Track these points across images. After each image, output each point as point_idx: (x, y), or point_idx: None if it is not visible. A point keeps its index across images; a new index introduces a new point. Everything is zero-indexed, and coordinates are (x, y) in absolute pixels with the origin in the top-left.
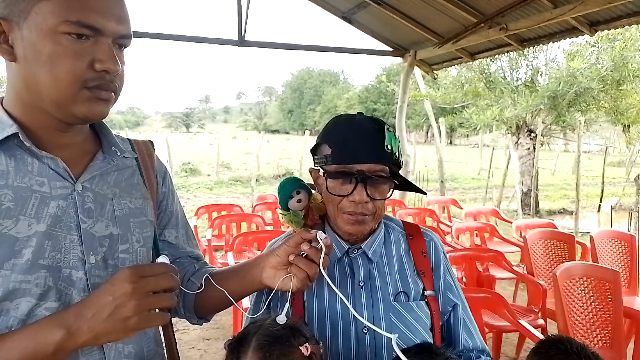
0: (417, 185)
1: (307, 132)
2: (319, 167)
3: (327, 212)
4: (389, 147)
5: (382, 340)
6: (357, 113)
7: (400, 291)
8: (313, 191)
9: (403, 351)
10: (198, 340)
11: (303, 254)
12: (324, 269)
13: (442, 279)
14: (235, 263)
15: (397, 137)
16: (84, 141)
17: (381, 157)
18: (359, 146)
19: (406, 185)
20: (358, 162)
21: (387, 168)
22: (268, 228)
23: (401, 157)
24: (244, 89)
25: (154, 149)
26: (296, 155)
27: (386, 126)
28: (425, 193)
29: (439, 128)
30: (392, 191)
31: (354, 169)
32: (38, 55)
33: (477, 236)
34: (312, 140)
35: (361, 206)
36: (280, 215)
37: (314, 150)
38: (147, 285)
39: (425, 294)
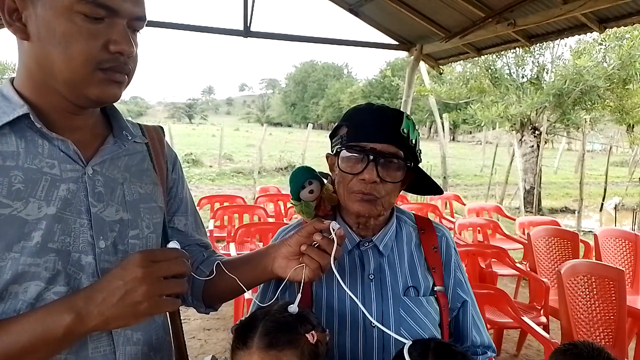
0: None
1: (310, 125)
2: (335, 150)
3: (338, 202)
4: (405, 131)
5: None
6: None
7: (410, 286)
8: (325, 181)
9: (414, 342)
10: (199, 330)
11: (315, 244)
12: (335, 260)
13: (453, 275)
14: (238, 254)
15: (416, 128)
16: (95, 124)
17: (396, 139)
18: (374, 126)
19: (421, 184)
20: (372, 141)
21: (402, 153)
22: (270, 220)
23: (418, 148)
24: (247, 81)
25: (164, 135)
26: (299, 148)
27: (405, 114)
28: (442, 192)
29: (442, 124)
30: (404, 177)
31: (367, 147)
32: (52, 34)
33: (479, 232)
34: (315, 134)
35: (370, 186)
36: (295, 206)
37: (333, 134)
38: (158, 270)
39: (435, 289)
